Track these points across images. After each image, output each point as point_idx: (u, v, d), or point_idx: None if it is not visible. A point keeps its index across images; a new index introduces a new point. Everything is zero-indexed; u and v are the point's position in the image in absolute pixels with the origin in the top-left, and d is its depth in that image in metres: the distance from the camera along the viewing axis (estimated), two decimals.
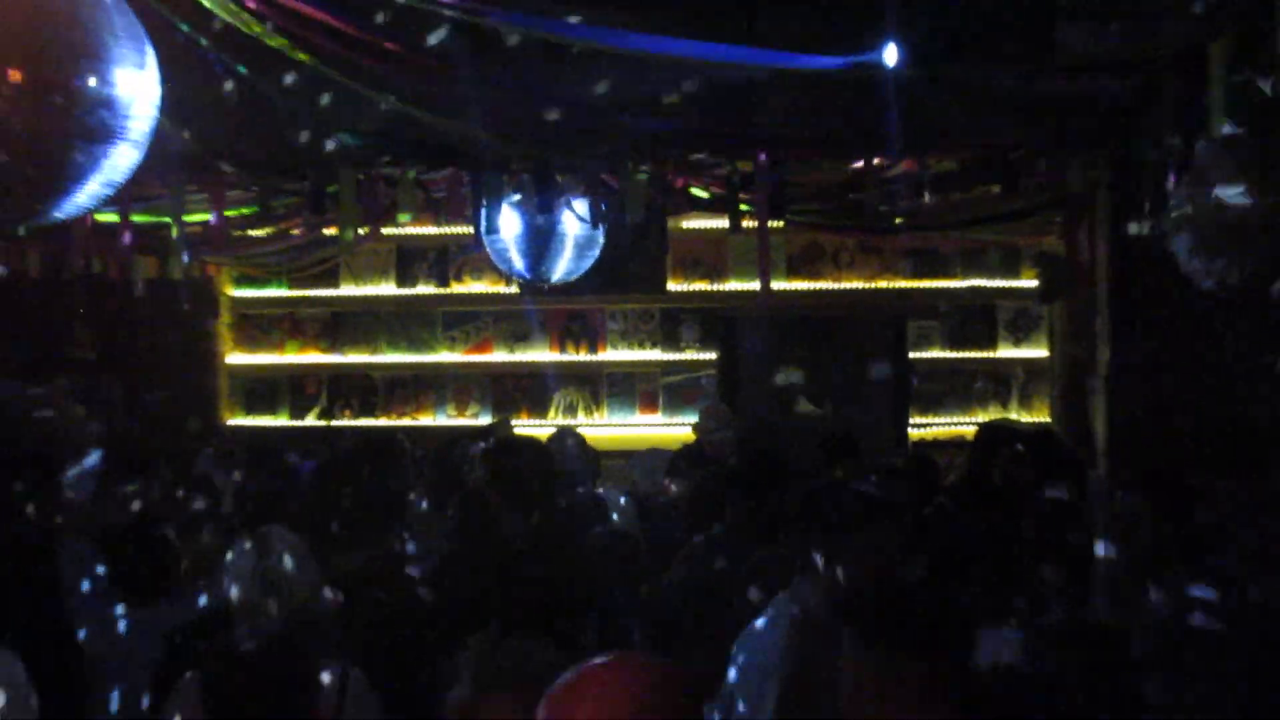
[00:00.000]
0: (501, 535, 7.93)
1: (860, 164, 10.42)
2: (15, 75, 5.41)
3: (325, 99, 7.67)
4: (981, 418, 14.18)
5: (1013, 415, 14.42)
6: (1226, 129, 5.80)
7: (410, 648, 6.47)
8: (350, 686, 5.63)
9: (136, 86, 5.58)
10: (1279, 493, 5.88)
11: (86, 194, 5.79)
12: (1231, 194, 5.43)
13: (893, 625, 4.33)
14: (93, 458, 9.55)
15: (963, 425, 14.28)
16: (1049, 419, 14.17)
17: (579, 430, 10.96)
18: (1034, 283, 13.77)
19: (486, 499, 8.33)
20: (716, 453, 11.35)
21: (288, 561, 6.83)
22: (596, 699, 3.49)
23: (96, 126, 5.54)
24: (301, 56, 6.81)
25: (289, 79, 7.31)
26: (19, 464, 9.09)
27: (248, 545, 6.82)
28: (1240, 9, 5.67)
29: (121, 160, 5.69)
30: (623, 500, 9.13)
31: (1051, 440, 10.60)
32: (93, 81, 5.49)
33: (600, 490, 9.23)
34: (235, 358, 15.72)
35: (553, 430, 10.99)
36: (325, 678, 5.53)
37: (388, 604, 6.86)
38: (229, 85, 7.44)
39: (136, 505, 8.89)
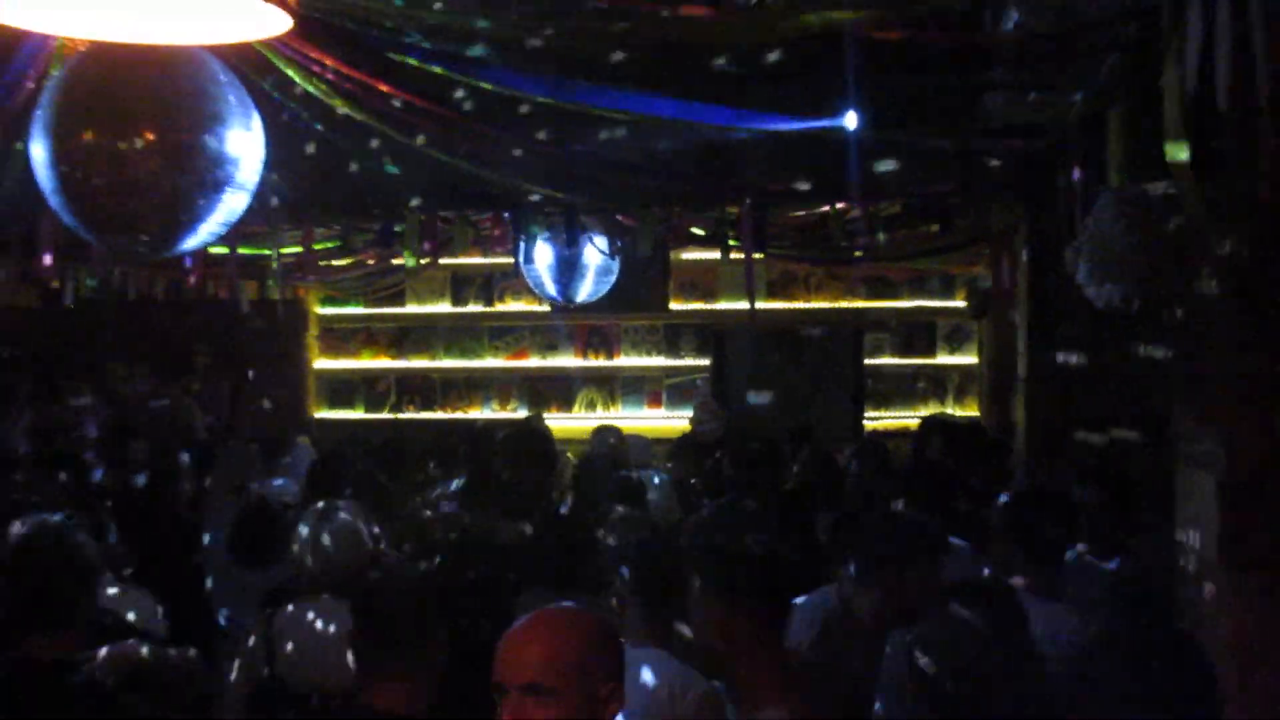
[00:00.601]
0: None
1: (825, 208, 10.42)
2: (149, 135, 5.45)
3: (393, 155, 7.70)
4: (923, 412, 14.17)
5: (949, 410, 14.43)
6: (1118, 181, 5.84)
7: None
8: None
9: (245, 145, 5.62)
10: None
11: (205, 232, 5.84)
12: (1118, 234, 5.47)
13: None
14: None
15: (908, 418, 14.25)
16: (978, 413, 14.15)
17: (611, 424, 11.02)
18: (964, 304, 13.79)
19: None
20: (706, 440, 11.40)
21: (344, 525, 6.77)
22: (543, 640, 3.47)
23: (213, 178, 5.58)
24: (376, 122, 6.83)
25: (370, 142, 7.34)
26: (154, 447, 9.16)
27: (314, 514, 6.81)
28: (1133, 84, 5.70)
29: (233, 205, 5.74)
30: (657, 479, 9.11)
31: (979, 431, 10.67)
32: (210, 141, 5.52)
33: (638, 473, 9.17)
34: (321, 363, 15.75)
35: (596, 425, 11.00)
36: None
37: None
38: (314, 145, 7.46)
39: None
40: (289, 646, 5.67)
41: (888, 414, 14.84)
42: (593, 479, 8.79)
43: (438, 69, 6.01)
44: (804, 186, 9.03)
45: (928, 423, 10.77)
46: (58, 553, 4.92)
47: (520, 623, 3.54)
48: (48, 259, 9.56)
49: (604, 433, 10.59)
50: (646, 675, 4.78)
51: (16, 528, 5.13)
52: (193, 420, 13.01)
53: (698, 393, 14.79)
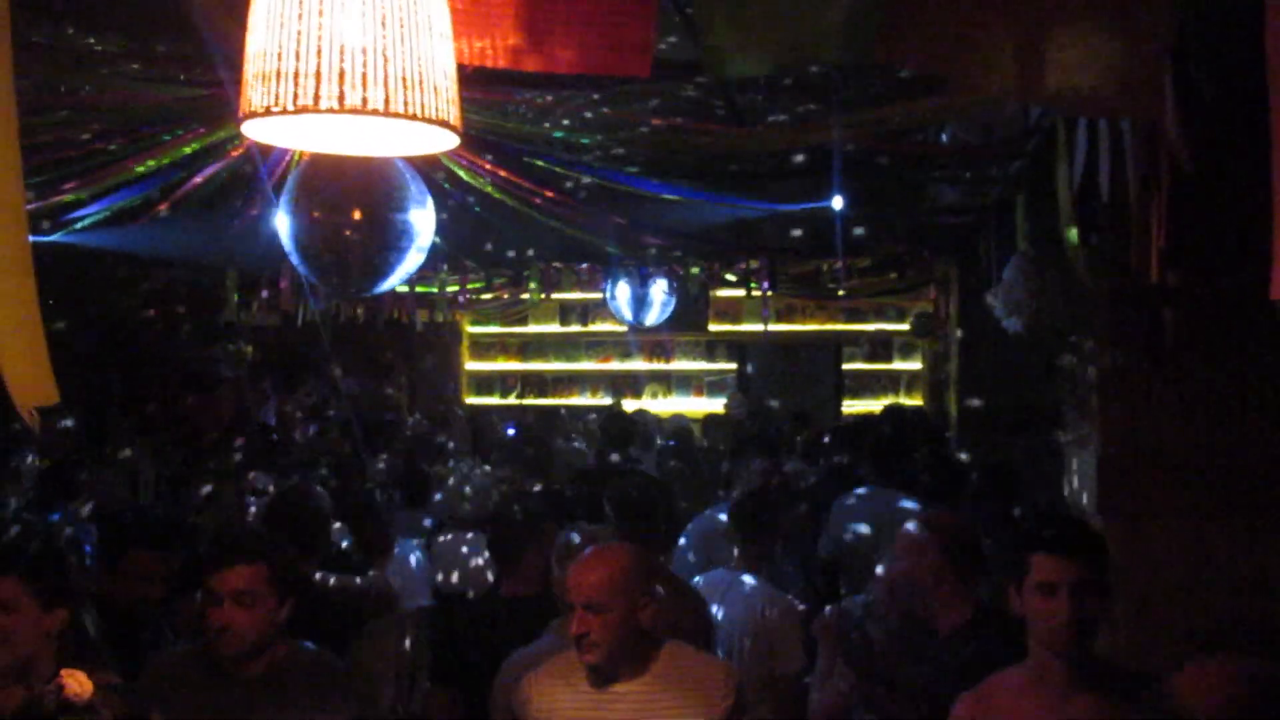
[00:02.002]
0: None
1: (818, 261, 10.39)
2: (357, 214, 5.48)
3: (523, 224, 7.71)
4: (884, 401, 14.06)
5: (902, 400, 14.30)
6: (1024, 247, 5.77)
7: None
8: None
9: (422, 219, 5.64)
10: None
11: (394, 279, 5.86)
12: (1021, 283, 5.43)
13: None
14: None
15: (873, 406, 14.16)
16: (922, 403, 14.04)
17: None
18: (909, 326, 13.68)
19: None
20: (734, 418, 11.38)
21: (479, 479, 6.79)
22: (597, 570, 3.41)
23: (399, 243, 5.59)
24: (513, 202, 6.84)
25: (504, 211, 7.35)
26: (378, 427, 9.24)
27: (462, 471, 6.81)
28: (1034, 178, 5.63)
29: (413, 260, 5.75)
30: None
31: (924, 415, 10.56)
32: (398, 217, 5.53)
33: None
34: (470, 365, 15.77)
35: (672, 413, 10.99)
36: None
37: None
38: (469, 217, 7.47)
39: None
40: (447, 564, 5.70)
41: (859, 403, 14.73)
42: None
43: (558, 168, 6.01)
44: (803, 247, 9.01)
45: (887, 409, 10.70)
46: (306, 504, 5.00)
47: (582, 556, 3.52)
48: (286, 293, 9.66)
49: (677, 420, 10.58)
50: (741, 592, 4.74)
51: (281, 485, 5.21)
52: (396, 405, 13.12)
53: (728, 386, 14.79)
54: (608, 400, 14.65)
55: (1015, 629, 3.11)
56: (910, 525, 3.90)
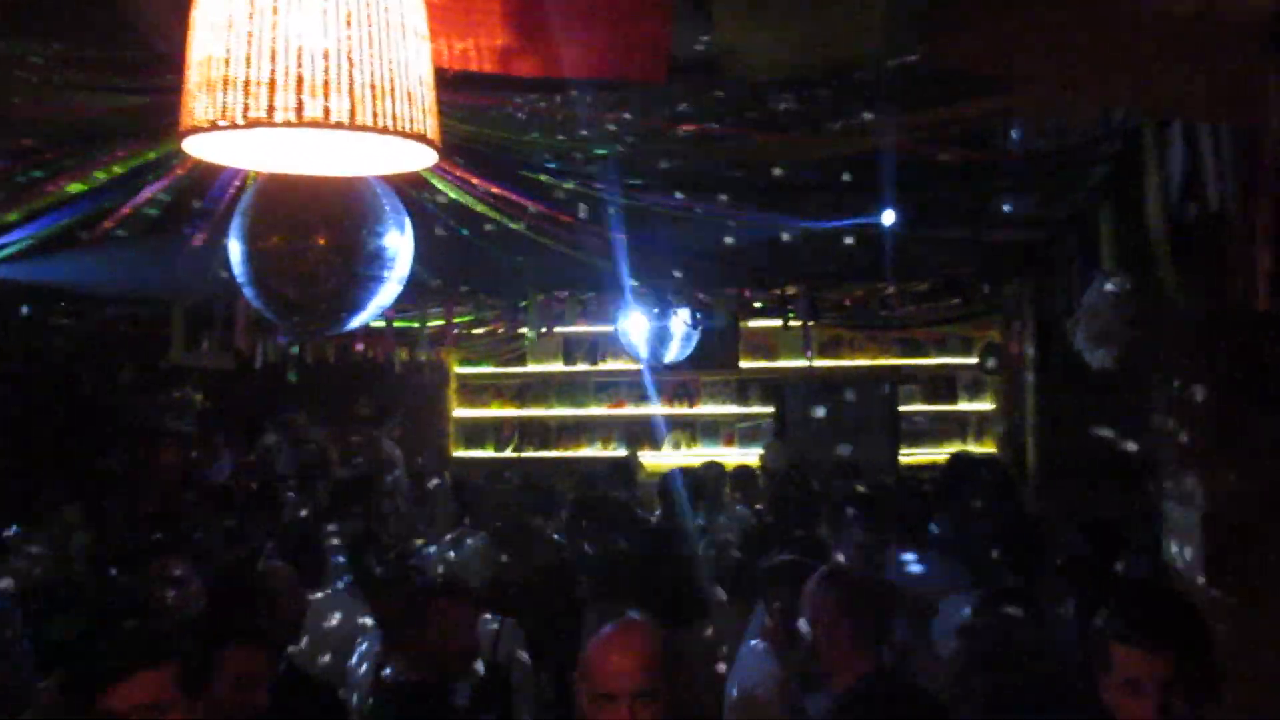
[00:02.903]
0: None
1: (868, 286, 10.39)
2: (322, 240, 5.48)
3: (519, 247, 7.72)
4: (949, 449, 14.01)
5: (970, 448, 14.25)
6: (1108, 266, 5.77)
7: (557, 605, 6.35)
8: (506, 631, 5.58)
9: (399, 244, 5.62)
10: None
11: (366, 314, 5.82)
12: (1107, 309, 5.41)
13: None
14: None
15: (936, 454, 14.11)
16: (995, 450, 13.98)
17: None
18: (978, 360, 13.64)
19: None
20: (772, 473, 11.34)
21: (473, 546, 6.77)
22: (643, 650, 3.40)
23: (373, 272, 5.57)
24: (507, 222, 6.86)
25: (496, 234, 7.36)
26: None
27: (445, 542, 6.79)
28: (1117, 188, 5.63)
29: (389, 292, 5.72)
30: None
31: (997, 465, 10.51)
32: (371, 242, 5.53)
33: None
34: (459, 411, 15.81)
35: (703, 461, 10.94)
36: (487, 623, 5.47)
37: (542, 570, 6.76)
38: (455, 240, 7.49)
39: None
40: None
41: (919, 450, 14.69)
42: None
43: (567, 184, 6.03)
44: (849, 270, 9.01)
45: (954, 458, 10.67)
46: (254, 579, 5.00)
47: (610, 637, 3.46)
48: (240, 331, 9.70)
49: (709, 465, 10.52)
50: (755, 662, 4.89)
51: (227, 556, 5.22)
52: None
53: (763, 434, 14.77)
54: (621, 452, 14.66)
55: (914, 695, 3.19)
56: (812, 580, 4.21)
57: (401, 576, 5.79)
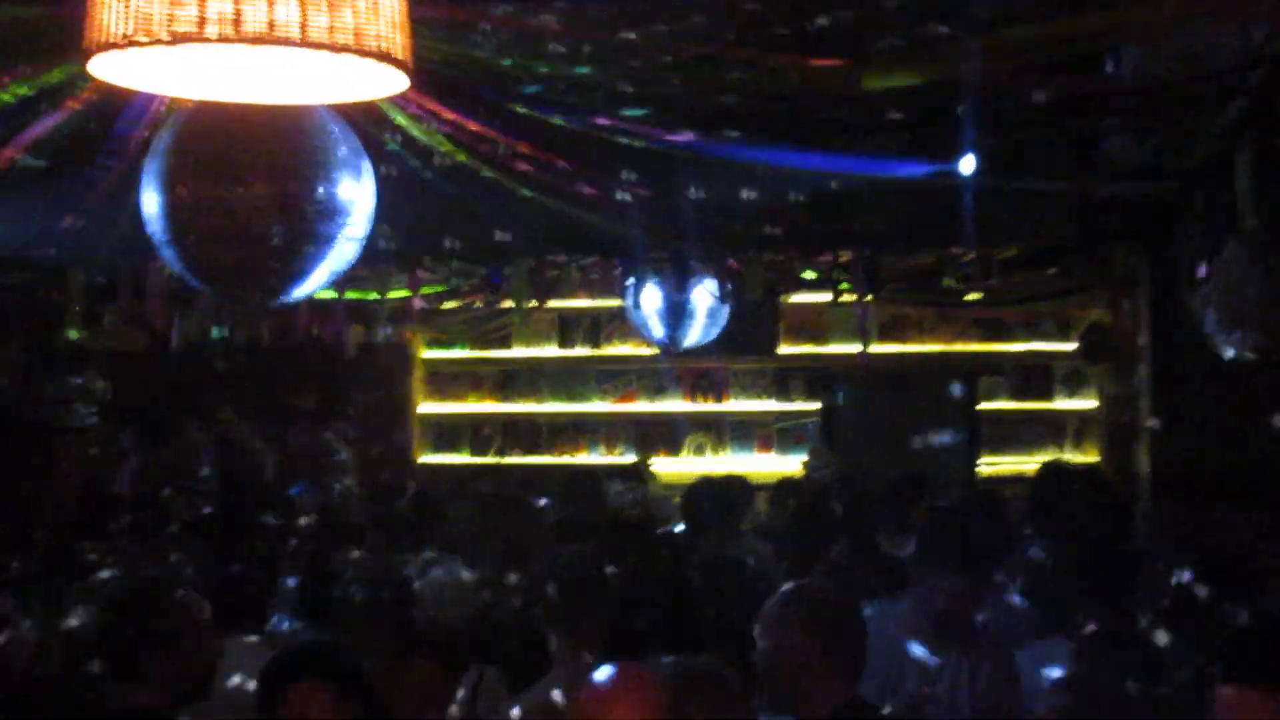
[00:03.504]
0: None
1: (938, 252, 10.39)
2: (260, 187, 5.49)
3: (504, 201, 7.72)
4: (1041, 458, 13.97)
5: (1067, 456, 14.22)
6: (1249, 225, 5.75)
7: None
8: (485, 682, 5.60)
9: (356, 195, 5.64)
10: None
11: (314, 282, 5.85)
12: (1249, 281, 5.39)
13: None
14: None
15: (1024, 464, 14.07)
16: (1098, 459, 13.95)
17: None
18: (1076, 346, 13.62)
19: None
20: (815, 486, 11.32)
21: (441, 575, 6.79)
22: (643, 705, 3.48)
23: (323, 228, 5.59)
24: (489, 169, 6.86)
25: (476, 185, 7.36)
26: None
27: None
28: (1261, 128, 5.62)
29: (343, 254, 5.74)
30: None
31: (1100, 478, 10.49)
32: (321, 192, 5.54)
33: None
34: (426, 407, 15.78)
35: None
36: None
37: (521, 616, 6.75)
38: (425, 192, 7.49)
39: None
40: None
41: (1003, 459, 14.66)
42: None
43: (557, 120, 6.04)
44: (917, 232, 9.00)
45: (1046, 469, 10.66)
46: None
47: (604, 693, 3.57)
48: (154, 303, 9.71)
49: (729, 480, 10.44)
50: None
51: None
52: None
53: (808, 437, 14.76)
54: (630, 457, 14.66)
55: None
56: (773, 600, 4.46)
57: (377, 616, 5.78)
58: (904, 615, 6.05)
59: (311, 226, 5.49)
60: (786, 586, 4.65)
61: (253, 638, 6.16)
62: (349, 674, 4.35)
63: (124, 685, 4.69)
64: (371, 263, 9.49)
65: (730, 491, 9.36)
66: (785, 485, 10.71)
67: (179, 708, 5.09)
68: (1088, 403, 14.61)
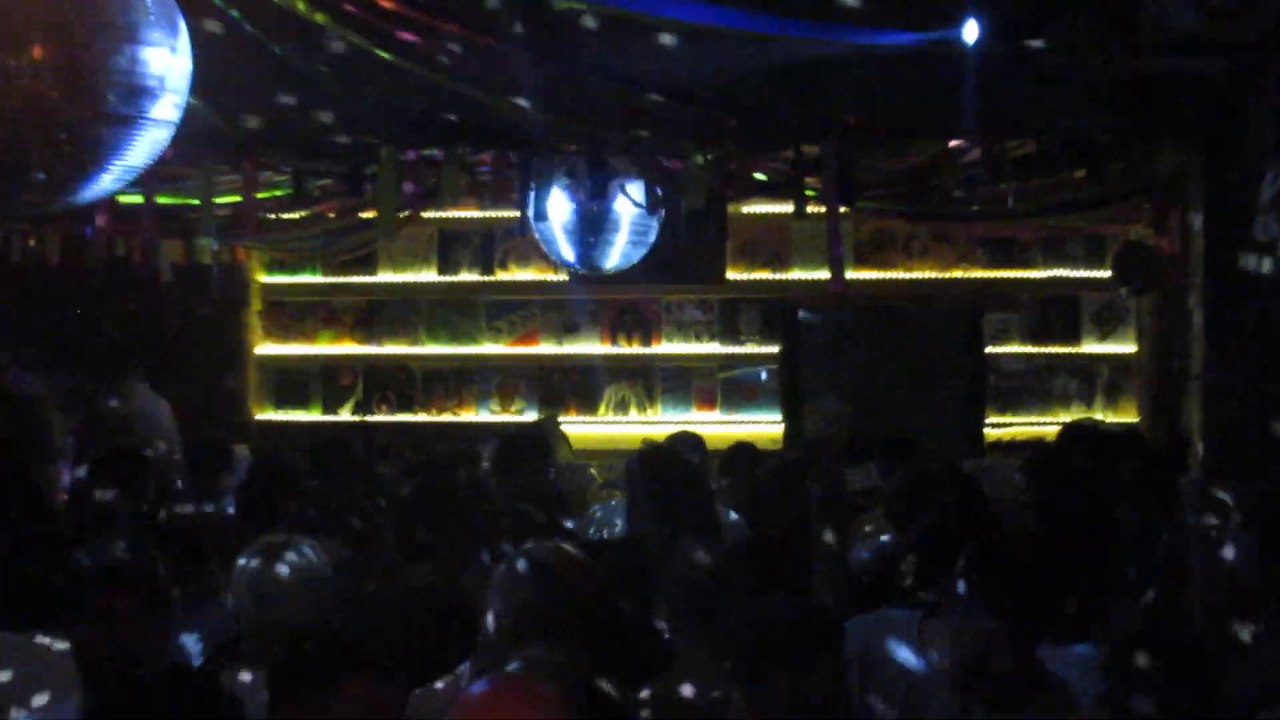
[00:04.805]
0: None
1: (935, 148, 10.41)
2: (39, 52, 5.45)
3: (366, 76, 7.70)
4: (1064, 418, 14.09)
5: (1098, 416, 14.35)
6: None
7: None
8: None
9: (167, 65, 5.61)
10: None
11: (111, 177, 5.84)
12: None
13: None
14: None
15: (1043, 425, 14.20)
16: (1137, 420, 14.08)
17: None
18: (1109, 273, 13.71)
19: None
20: (824, 445, 11.30)
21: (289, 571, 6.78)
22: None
23: (125, 108, 5.57)
24: (341, 31, 6.84)
25: (327, 55, 7.33)
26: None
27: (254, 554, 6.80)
28: None
29: (149, 142, 5.74)
30: None
31: (1141, 443, 10.59)
32: (120, 60, 5.51)
33: None
34: (265, 348, 15.82)
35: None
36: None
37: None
38: (263, 63, 7.47)
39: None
40: None
41: (1015, 420, 14.79)
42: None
43: None
44: (906, 119, 9.01)
45: (1070, 432, 10.74)
46: None
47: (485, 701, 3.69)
48: None
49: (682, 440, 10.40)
50: None
51: None
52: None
53: (764, 391, 14.82)
54: (530, 416, 14.69)
55: None
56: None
57: None
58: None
59: (107, 104, 5.46)
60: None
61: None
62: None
63: None
64: (190, 156, 9.46)
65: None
66: (740, 454, 10.61)
67: None
68: (1124, 346, 14.77)
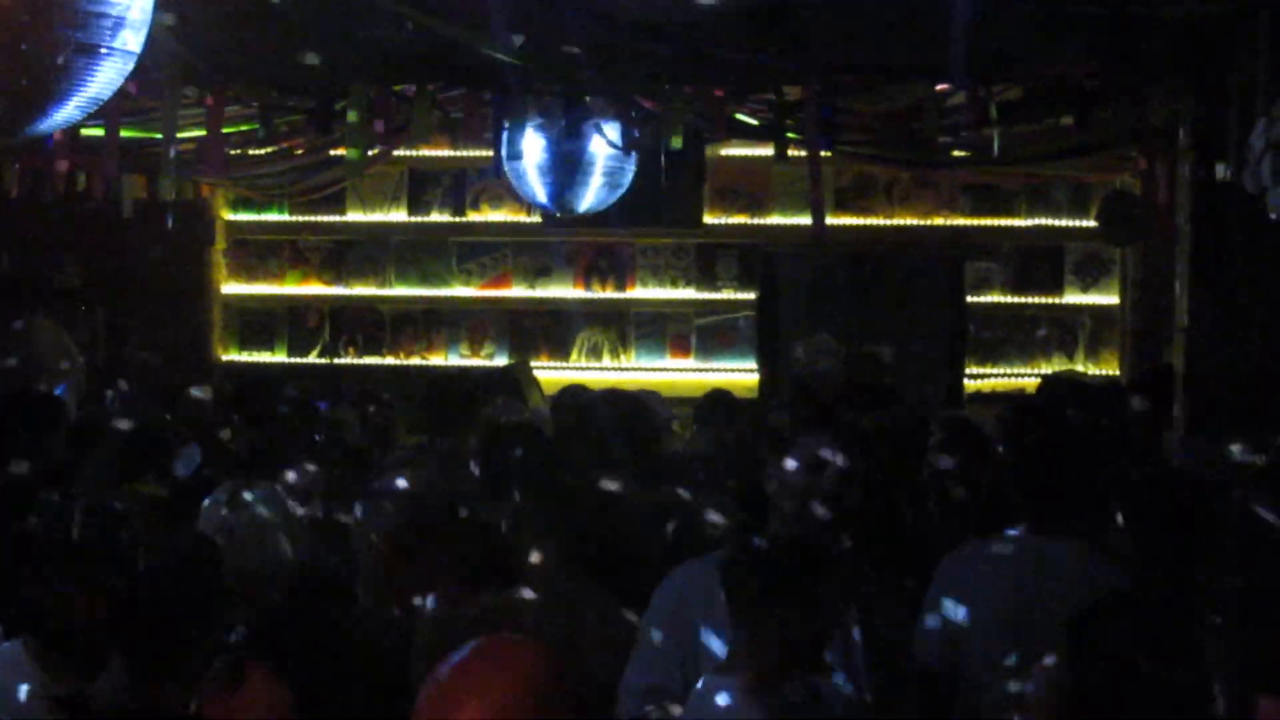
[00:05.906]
0: None
1: (919, 91, 10.38)
2: None
3: (337, 8, 7.67)
4: (1045, 369, 14.11)
5: (1079, 367, 14.36)
6: None
7: None
8: None
9: None
10: None
11: (71, 108, 5.77)
12: None
13: None
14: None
15: (1024, 377, 14.21)
16: (1118, 372, 14.10)
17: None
18: (1094, 221, 13.71)
19: None
20: (819, 384, 11.27)
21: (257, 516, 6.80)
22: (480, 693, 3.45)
23: (83, 35, 5.52)
24: None
25: None
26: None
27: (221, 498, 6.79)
28: None
29: (110, 72, 5.67)
30: None
31: (1122, 396, 10.58)
32: None
33: None
34: (230, 288, 15.75)
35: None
36: None
37: None
38: None
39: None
40: None
41: (996, 371, 14.80)
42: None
43: None
44: (889, 61, 8.99)
45: (1051, 383, 10.75)
46: None
47: (446, 674, 3.52)
48: None
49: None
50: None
51: None
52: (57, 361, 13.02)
53: (740, 336, 14.81)
54: (501, 360, 14.67)
55: None
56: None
57: None
58: None
59: (64, 31, 5.41)
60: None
61: None
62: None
63: None
64: (153, 89, 9.40)
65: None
66: (717, 402, 10.54)
67: None
68: (1107, 297, 14.78)
